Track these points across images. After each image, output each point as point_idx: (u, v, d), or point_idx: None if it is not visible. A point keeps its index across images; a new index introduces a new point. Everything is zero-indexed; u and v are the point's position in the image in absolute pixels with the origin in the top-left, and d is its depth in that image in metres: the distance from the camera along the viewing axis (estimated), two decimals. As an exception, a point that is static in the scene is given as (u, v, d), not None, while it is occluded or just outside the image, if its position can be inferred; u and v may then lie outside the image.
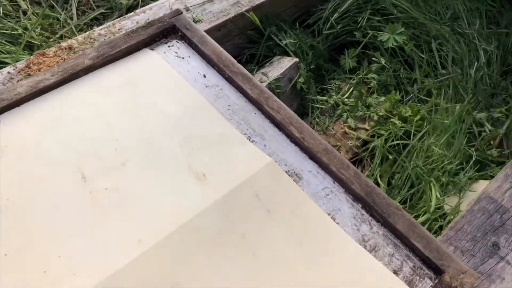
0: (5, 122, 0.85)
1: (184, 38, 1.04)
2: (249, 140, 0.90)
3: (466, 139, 1.22)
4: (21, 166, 0.80)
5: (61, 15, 1.43)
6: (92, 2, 1.55)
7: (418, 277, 0.77)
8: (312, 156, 0.89)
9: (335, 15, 1.40)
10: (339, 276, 0.75)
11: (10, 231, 0.73)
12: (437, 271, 0.77)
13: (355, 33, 1.41)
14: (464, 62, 1.36)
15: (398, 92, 1.31)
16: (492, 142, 1.24)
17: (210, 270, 0.73)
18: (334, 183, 0.86)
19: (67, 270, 0.70)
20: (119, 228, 0.75)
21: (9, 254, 0.71)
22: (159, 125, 0.89)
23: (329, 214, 0.82)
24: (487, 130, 1.25)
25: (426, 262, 0.78)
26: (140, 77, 0.95)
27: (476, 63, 1.34)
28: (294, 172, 0.87)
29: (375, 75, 1.32)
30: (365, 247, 0.79)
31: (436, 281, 0.77)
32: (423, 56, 1.37)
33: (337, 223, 0.81)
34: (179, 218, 0.77)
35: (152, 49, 1.01)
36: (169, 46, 1.03)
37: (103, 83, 0.93)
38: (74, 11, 1.47)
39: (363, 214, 0.83)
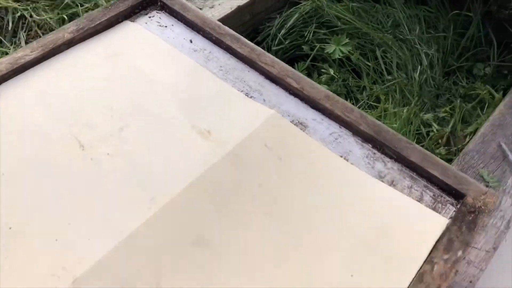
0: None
1: (164, 8, 1.00)
2: (247, 96, 0.87)
3: (415, 140, 1.26)
4: (13, 141, 0.74)
5: (9, 49, 1.36)
6: (41, 34, 1.49)
7: (440, 205, 0.76)
8: (314, 104, 0.87)
9: (282, 31, 1.45)
10: (366, 213, 0.72)
11: (12, 204, 0.67)
12: (458, 196, 0.76)
13: (303, 47, 1.46)
14: (408, 66, 1.44)
15: (349, 100, 1.34)
16: (440, 141, 1.29)
17: (231, 220, 0.69)
18: (340, 127, 0.85)
19: (80, 236, 0.65)
20: (128, 190, 0.71)
21: (14, 228, 0.65)
22: (152, 91, 0.85)
23: (341, 157, 0.80)
24: (435, 130, 1.30)
25: (445, 189, 0.77)
26: (125, 47, 0.91)
27: (419, 67, 1.41)
28: (299, 122, 0.85)
29: (325, 86, 1.34)
30: (382, 183, 0.77)
31: (458, 206, 0.76)
32: (369, 64, 1.43)
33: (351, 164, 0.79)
34: (190, 175, 0.73)
35: (133, 21, 0.98)
36: (150, 17, 1.00)
37: (87, 56, 0.89)
38: (23, 44, 1.41)
39: (375, 153, 0.82)
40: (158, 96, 0.84)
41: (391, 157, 0.81)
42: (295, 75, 0.89)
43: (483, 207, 0.73)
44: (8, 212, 0.66)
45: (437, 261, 0.67)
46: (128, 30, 0.95)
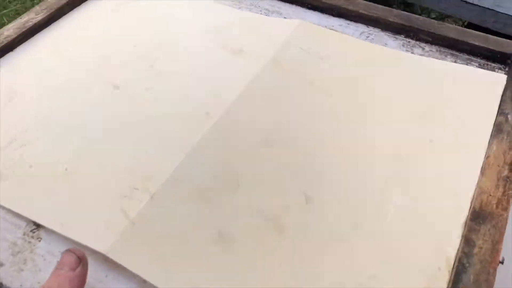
0: (5, 67, 0.74)
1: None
2: (268, 16, 0.85)
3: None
4: (46, 91, 0.69)
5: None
6: None
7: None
8: (336, 11, 0.85)
9: None
10: (428, 87, 0.70)
11: (62, 148, 0.62)
12: (503, 59, 0.75)
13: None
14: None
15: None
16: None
17: (290, 119, 0.66)
18: (368, 26, 0.83)
19: (142, 158, 0.61)
20: (180, 110, 0.67)
21: (70, 169, 0.60)
22: (173, 26, 0.82)
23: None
24: None
25: (489, 56, 0.77)
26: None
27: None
28: (326, 28, 0.83)
29: None
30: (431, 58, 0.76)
31: (507, 69, 0.74)
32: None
33: (391, 52, 0.77)
34: (236, 87, 0.70)
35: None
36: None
37: (94, 12, 0.85)
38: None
39: (409, 41, 0.80)
40: (180, 29, 0.80)
41: (426, 41, 0.80)
42: (309, -10, 0.87)
43: (533, 60, 0.73)
44: (59, 154, 0.61)
45: (509, 111, 0.66)
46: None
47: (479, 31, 0.79)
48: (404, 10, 1.35)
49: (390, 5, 1.26)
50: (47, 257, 0.52)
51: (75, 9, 0.86)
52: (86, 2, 0.88)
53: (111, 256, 0.50)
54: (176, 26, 0.81)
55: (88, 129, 0.65)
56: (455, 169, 0.60)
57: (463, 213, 0.55)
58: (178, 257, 0.51)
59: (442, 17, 1.50)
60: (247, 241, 0.53)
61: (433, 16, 1.50)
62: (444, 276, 0.50)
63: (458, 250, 0.52)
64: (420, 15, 0.85)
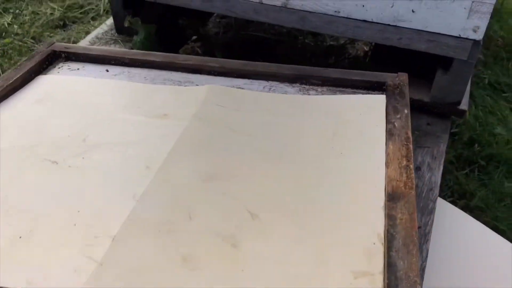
0: None
1: (69, 57, 1.07)
2: (182, 86, 0.96)
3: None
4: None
5: None
6: None
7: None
8: (238, 73, 0.99)
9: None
10: (324, 116, 0.84)
11: (14, 217, 0.65)
12: (380, 86, 0.93)
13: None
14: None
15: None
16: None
17: (224, 158, 0.75)
18: (268, 81, 0.98)
19: (96, 212, 0.65)
20: (123, 171, 0.73)
21: (24, 236, 0.63)
22: (98, 108, 0.89)
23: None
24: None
25: (369, 87, 0.94)
26: (50, 91, 0.95)
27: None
28: (234, 87, 0.96)
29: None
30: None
31: (384, 93, 0.92)
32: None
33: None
34: (169, 142, 0.78)
35: (45, 74, 1.02)
36: (59, 68, 1.05)
37: (17, 105, 0.90)
38: None
39: (304, 87, 0.96)
40: (103, 109, 0.88)
41: (317, 84, 0.96)
42: (212, 60, 1.01)
43: (401, 82, 0.91)
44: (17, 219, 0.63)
45: (394, 120, 0.81)
46: (45, 80, 0.99)
47: (386, 51, 0.95)
48: (311, 40, 1.51)
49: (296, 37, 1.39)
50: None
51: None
52: (8, 98, 0.92)
53: (86, 294, 0.53)
54: (98, 108, 0.88)
55: (39, 198, 0.68)
56: (366, 169, 0.72)
57: (382, 199, 0.66)
58: (149, 284, 0.55)
59: (351, 41, 1.54)
60: (208, 259, 0.59)
61: (342, 42, 1.55)
62: (379, 248, 0.60)
63: (385, 226, 0.62)
64: (327, 42, 0.99)
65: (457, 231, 1.04)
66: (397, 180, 0.69)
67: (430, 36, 0.95)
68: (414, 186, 0.67)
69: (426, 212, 0.91)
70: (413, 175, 0.69)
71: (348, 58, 1.59)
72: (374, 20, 0.99)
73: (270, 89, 0.95)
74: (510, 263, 0.97)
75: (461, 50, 0.93)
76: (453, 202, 1.22)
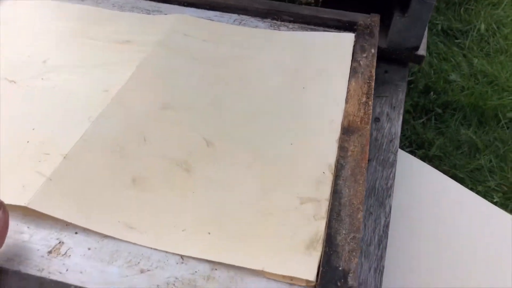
0: None
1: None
2: (149, 14, 0.93)
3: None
4: None
5: None
6: None
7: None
8: (210, 5, 0.96)
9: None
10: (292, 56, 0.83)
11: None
12: (352, 25, 0.91)
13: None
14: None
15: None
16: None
17: (183, 87, 0.75)
18: (239, 14, 0.96)
19: (50, 131, 0.65)
20: (78, 92, 0.72)
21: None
22: (59, 33, 0.87)
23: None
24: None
25: (341, 26, 0.92)
26: (15, 15, 0.91)
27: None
28: (203, 18, 0.93)
29: None
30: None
31: (355, 29, 0.91)
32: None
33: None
34: (129, 68, 0.77)
35: None
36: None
37: None
38: None
39: (275, 23, 0.94)
40: (63, 32, 0.85)
41: (289, 21, 0.94)
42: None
43: (373, 23, 0.90)
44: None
45: (360, 59, 0.81)
46: (9, 2, 0.95)
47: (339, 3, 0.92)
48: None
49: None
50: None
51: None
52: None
53: (31, 206, 0.53)
54: (61, 31, 0.86)
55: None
56: (325, 103, 0.72)
57: (337, 133, 0.67)
58: (96, 201, 0.56)
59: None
60: (159, 182, 0.59)
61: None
62: (328, 177, 0.61)
63: (336, 157, 0.63)
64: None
65: (419, 183, 1.05)
66: (354, 115, 0.69)
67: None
68: (370, 122, 0.68)
69: (387, 165, 0.88)
70: (370, 111, 0.70)
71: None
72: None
73: (240, 22, 0.93)
74: (471, 212, 0.99)
75: (419, -11, 0.89)
76: (412, 152, 1.24)
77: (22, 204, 0.53)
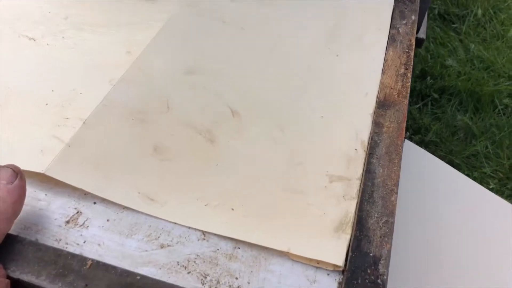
0: None
1: None
2: None
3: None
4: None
5: None
6: None
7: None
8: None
9: None
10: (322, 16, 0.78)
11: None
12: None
13: None
14: None
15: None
16: None
17: (211, 51, 0.70)
18: None
19: (70, 93, 0.62)
20: (100, 52, 0.69)
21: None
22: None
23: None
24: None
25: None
26: None
27: None
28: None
29: None
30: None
31: (394, -3, 0.84)
32: None
33: None
34: (154, 28, 0.73)
35: None
36: None
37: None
38: None
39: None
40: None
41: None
42: None
43: (414, -13, 0.83)
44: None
45: (400, 26, 0.75)
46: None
47: None
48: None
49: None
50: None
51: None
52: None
53: (49, 173, 0.51)
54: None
55: (11, 73, 0.64)
56: (360, 73, 0.67)
57: (372, 106, 0.62)
58: (116, 170, 0.53)
59: None
60: (182, 151, 0.56)
61: None
62: (361, 155, 0.57)
63: (370, 133, 0.59)
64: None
65: (416, 169, 1.02)
66: (391, 88, 0.64)
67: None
68: (408, 95, 0.63)
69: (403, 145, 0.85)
70: (409, 84, 0.65)
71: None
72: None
73: None
74: (468, 199, 0.96)
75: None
76: (409, 138, 1.20)
77: (40, 171, 0.51)
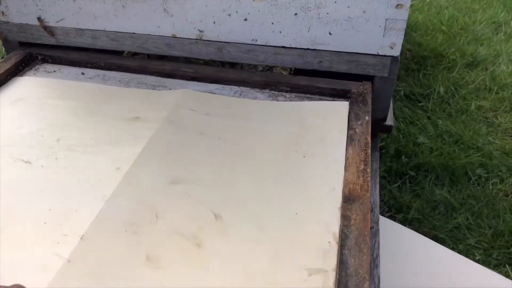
0: None
1: (46, 59, 1.09)
2: (155, 90, 0.99)
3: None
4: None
5: None
6: None
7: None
8: (211, 79, 1.02)
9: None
10: (287, 125, 0.88)
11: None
12: (345, 93, 0.97)
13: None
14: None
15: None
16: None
17: (191, 161, 0.79)
18: (239, 86, 1.01)
19: (66, 211, 0.68)
20: (91, 170, 0.76)
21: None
22: (68, 111, 0.92)
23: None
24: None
25: (335, 94, 0.98)
26: (24, 94, 0.97)
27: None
28: (206, 92, 0.99)
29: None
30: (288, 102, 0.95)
31: (349, 100, 0.96)
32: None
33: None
34: (139, 144, 0.81)
35: (21, 76, 1.04)
36: (35, 70, 1.07)
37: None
38: None
39: (273, 93, 1.00)
40: (74, 111, 0.90)
41: (286, 91, 1.00)
42: (186, 65, 1.05)
43: (365, 91, 0.96)
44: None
45: (356, 126, 0.86)
46: (21, 82, 1.01)
47: (308, 75, 0.98)
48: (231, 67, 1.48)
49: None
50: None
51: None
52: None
53: (53, 289, 0.55)
54: (72, 110, 0.91)
55: (10, 196, 0.70)
56: (326, 172, 0.76)
57: (338, 201, 0.71)
58: (113, 283, 0.58)
59: (270, 67, 1.44)
60: (172, 259, 0.62)
61: (260, 68, 1.42)
62: (334, 247, 0.64)
63: (340, 226, 0.66)
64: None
65: (403, 248, 1.08)
66: (354, 183, 0.73)
67: (350, 57, 0.95)
68: (369, 188, 0.72)
69: (370, 235, 0.91)
70: (369, 178, 0.74)
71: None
72: (293, 46, 0.96)
73: (240, 94, 0.99)
74: (456, 273, 1.01)
75: (381, 68, 0.94)
76: (392, 217, 1.27)
77: (43, 287, 0.55)
